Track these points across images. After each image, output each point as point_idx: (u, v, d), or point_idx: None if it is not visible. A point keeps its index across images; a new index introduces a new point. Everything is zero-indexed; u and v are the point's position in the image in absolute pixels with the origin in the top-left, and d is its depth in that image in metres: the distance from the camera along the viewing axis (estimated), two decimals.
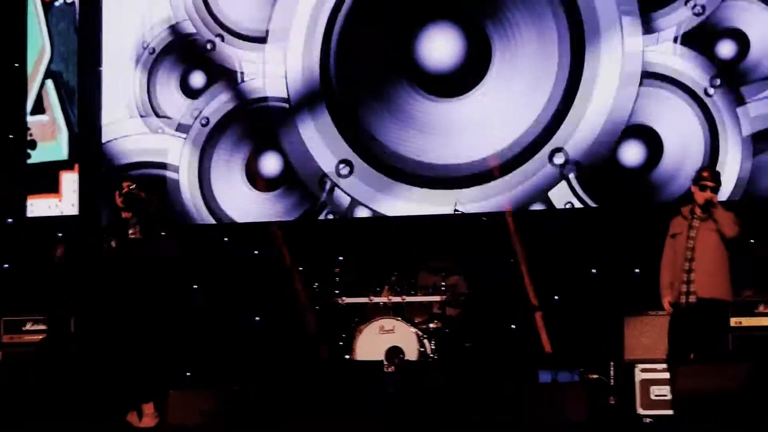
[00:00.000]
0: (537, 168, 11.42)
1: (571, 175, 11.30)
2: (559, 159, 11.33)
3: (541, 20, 11.47)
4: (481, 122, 11.59)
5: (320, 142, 12.00)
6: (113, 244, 9.41)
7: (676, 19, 11.04)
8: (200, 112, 12.38)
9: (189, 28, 12.51)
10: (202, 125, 12.37)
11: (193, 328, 11.58)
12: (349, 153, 11.91)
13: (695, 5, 10.97)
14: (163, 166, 12.47)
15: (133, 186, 9.51)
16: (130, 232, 9.15)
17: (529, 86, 11.45)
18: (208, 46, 12.43)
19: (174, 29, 12.55)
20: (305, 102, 12.10)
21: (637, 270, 10.62)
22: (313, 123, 12.05)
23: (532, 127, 11.41)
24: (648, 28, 11.14)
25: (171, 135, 12.48)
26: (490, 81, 11.56)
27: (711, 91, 10.89)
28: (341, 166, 11.92)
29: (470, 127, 11.63)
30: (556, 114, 11.36)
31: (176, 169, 12.43)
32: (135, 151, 12.61)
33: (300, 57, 12.13)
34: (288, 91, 12.14)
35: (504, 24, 11.54)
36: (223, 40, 12.37)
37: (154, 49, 12.61)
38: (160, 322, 9.14)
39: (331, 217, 11.94)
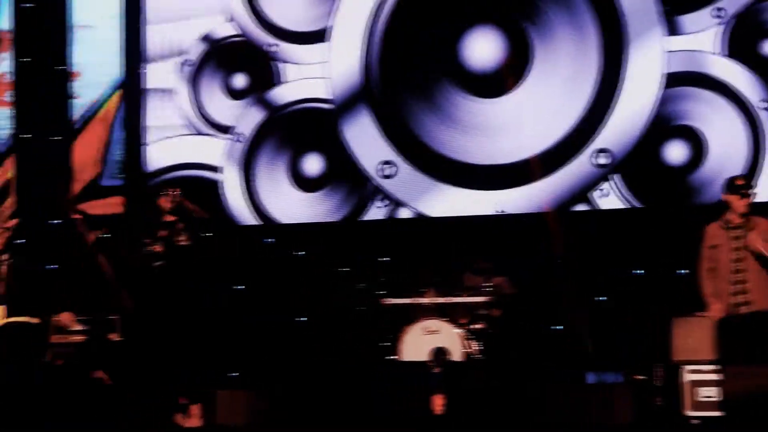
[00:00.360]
0: (579, 168, 11.44)
1: (614, 175, 11.30)
2: (602, 159, 11.34)
3: (581, 21, 11.50)
4: (523, 122, 11.61)
5: (363, 142, 12.04)
6: (157, 248, 9.45)
7: (719, 20, 11.11)
8: (243, 115, 12.44)
9: (231, 31, 12.56)
10: (239, 136, 12.43)
11: (239, 328, 11.67)
12: (392, 153, 11.93)
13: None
14: (208, 167, 12.52)
15: (179, 192, 9.56)
16: (181, 239, 9.21)
17: (570, 86, 11.47)
18: (253, 50, 12.49)
19: (215, 35, 12.63)
20: (348, 103, 12.13)
21: (684, 271, 10.58)
22: (356, 124, 12.09)
23: (574, 127, 11.43)
24: (691, 27, 11.19)
25: (215, 137, 12.53)
26: (531, 81, 11.59)
27: (761, 104, 10.95)
28: (384, 166, 11.94)
29: (512, 127, 11.65)
30: (598, 114, 11.38)
31: (221, 171, 12.47)
32: (179, 153, 12.68)
33: (343, 58, 12.17)
34: (331, 92, 12.18)
35: (544, 25, 11.57)
36: (277, 46, 12.41)
37: (191, 58, 12.68)
38: (209, 322, 9.19)
39: (374, 218, 11.96)
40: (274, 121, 12.35)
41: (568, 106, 11.47)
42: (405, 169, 11.90)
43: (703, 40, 11.16)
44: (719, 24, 11.12)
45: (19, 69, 13.11)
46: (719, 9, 11.13)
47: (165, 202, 9.65)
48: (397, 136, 11.96)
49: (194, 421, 9.07)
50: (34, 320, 9.88)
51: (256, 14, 12.50)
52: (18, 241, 11.97)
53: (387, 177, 11.92)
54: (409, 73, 12.00)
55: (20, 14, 13.09)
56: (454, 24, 11.84)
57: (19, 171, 13.06)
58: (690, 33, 11.20)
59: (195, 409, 9.08)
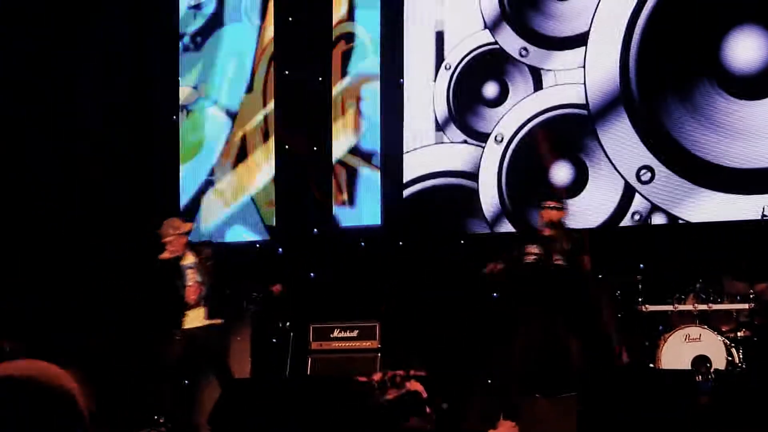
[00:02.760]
0: None
1: None
2: None
3: None
4: None
5: (620, 147, 11.89)
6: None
7: None
8: (498, 122, 12.47)
9: (488, 39, 12.63)
10: (498, 140, 12.47)
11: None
12: (650, 158, 11.73)
13: None
14: (464, 175, 12.61)
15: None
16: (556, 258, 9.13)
17: None
18: (508, 57, 12.53)
19: (473, 42, 12.72)
20: (605, 108, 12.01)
21: None
22: (613, 129, 11.96)
23: None
24: None
25: (470, 144, 12.62)
26: None
27: None
28: (642, 171, 11.76)
29: None
30: None
31: (476, 178, 12.55)
32: (434, 162, 12.82)
33: (600, 62, 12.06)
34: (587, 97, 12.09)
35: None
36: (526, 51, 12.43)
37: (450, 65, 12.79)
38: None
39: (631, 224, 11.79)
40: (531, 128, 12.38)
41: None
42: (663, 173, 11.69)
43: None
44: None
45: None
46: None
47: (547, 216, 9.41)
48: (655, 140, 11.74)
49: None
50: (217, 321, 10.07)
51: (512, 23, 12.55)
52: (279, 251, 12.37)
53: (645, 183, 11.73)
54: (668, 75, 11.76)
55: None
56: (715, 23, 11.55)
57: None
58: None
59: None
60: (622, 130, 11.90)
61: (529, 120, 12.34)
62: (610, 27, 12.03)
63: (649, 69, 11.89)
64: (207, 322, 9.95)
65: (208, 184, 13.90)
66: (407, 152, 12.89)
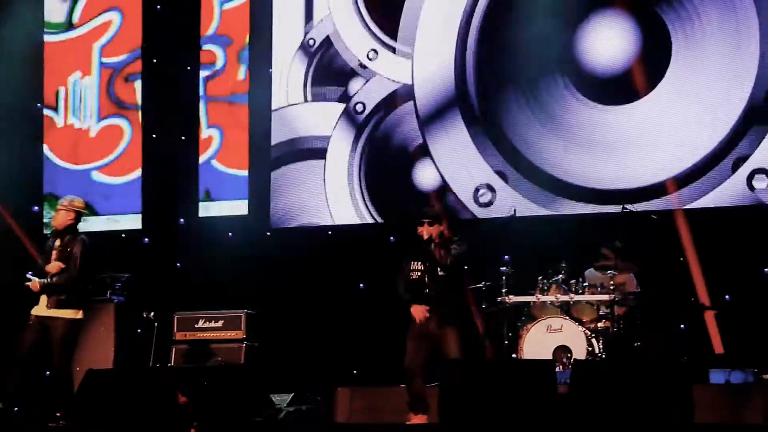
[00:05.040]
0: (732, 194, 10.52)
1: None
2: (760, 183, 10.24)
3: (736, 6, 10.19)
4: (657, 135, 10.78)
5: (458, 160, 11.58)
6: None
7: None
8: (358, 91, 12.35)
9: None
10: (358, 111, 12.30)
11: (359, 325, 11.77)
12: (491, 178, 11.51)
13: None
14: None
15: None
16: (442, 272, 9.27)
17: (720, 89, 10.34)
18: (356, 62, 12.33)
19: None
20: (438, 112, 11.66)
21: None
22: (448, 136, 11.66)
23: (725, 142, 10.34)
24: None
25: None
26: (670, 83, 10.76)
27: None
28: (481, 191, 11.58)
29: (643, 142, 10.84)
30: (758, 123, 10.18)
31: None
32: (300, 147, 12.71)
33: (430, 64, 11.68)
34: (420, 99, 11.85)
35: (686, 12, 10.44)
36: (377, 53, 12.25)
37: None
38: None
39: (496, 216, 11.86)
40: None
41: (716, 114, 10.41)
42: (517, 181, 11.39)
43: None
44: None
45: None
46: None
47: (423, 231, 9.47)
48: (502, 149, 11.36)
49: None
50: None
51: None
52: None
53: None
54: (513, 75, 11.28)
55: None
56: (570, 11, 10.94)
57: None
58: None
59: None
60: (461, 137, 11.67)
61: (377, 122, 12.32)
62: (442, 25, 11.64)
63: (489, 69, 11.43)
64: (55, 312, 9.64)
65: None
66: (275, 145, 12.83)
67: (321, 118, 12.49)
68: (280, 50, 12.77)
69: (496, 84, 11.27)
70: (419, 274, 9.34)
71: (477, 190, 11.52)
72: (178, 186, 13.17)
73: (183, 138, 13.24)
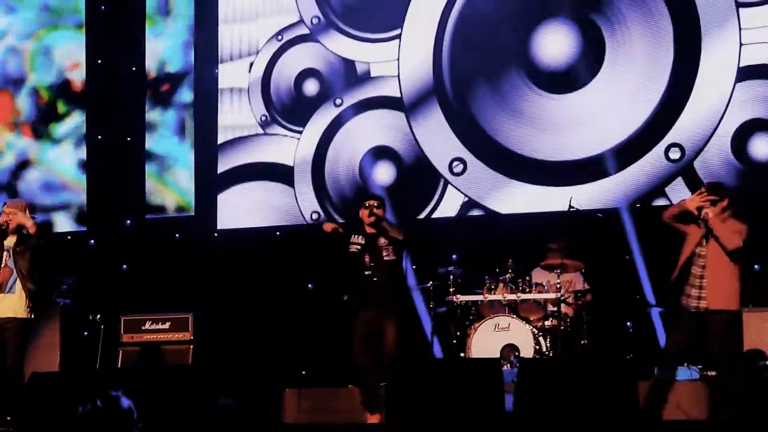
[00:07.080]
0: (653, 163, 11.40)
1: (687, 170, 11.23)
2: (674, 154, 11.31)
3: (655, 15, 11.46)
4: (596, 117, 11.61)
5: (433, 140, 12.03)
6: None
7: None
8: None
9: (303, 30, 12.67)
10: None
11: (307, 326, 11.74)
12: (462, 150, 11.94)
13: None
14: (280, 166, 12.66)
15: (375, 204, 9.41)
16: (384, 254, 9.25)
17: (643, 81, 11.44)
18: (319, 45, 12.58)
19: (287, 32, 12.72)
20: (418, 101, 12.16)
21: (756, 266, 10.43)
22: (426, 121, 12.10)
23: (648, 122, 11.39)
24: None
25: (287, 137, 12.62)
26: (604, 76, 11.59)
27: None
28: (455, 163, 11.94)
29: (585, 123, 11.65)
30: (672, 108, 11.33)
31: (292, 171, 12.57)
32: (250, 154, 12.77)
33: (412, 55, 12.25)
34: (401, 90, 12.22)
35: (616, 19, 11.58)
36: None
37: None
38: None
39: (444, 215, 11.93)
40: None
41: (642, 100, 11.44)
42: (475, 165, 11.90)
43: None
44: None
45: None
46: None
47: (368, 216, 9.43)
48: (467, 132, 11.99)
49: None
50: None
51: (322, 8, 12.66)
52: None
53: (458, 174, 11.91)
54: (480, 69, 12.02)
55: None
56: (526, 16, 11.91)
57: None
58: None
59: None
60: (435, 122, 12.08)
61: (343, 113, 12.41)
62: (423, 20, 12.24)
63: (461, 62, 12.12)
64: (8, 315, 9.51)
65: None
66: (221, 144, 12.81)
67: None
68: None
69: (466, 76, 12.13)
70: (358, 248, 9.33)
71: (452, 162, 12.02)
72: (123, 186, 13.10)
73: (129, 139, 13.17)
